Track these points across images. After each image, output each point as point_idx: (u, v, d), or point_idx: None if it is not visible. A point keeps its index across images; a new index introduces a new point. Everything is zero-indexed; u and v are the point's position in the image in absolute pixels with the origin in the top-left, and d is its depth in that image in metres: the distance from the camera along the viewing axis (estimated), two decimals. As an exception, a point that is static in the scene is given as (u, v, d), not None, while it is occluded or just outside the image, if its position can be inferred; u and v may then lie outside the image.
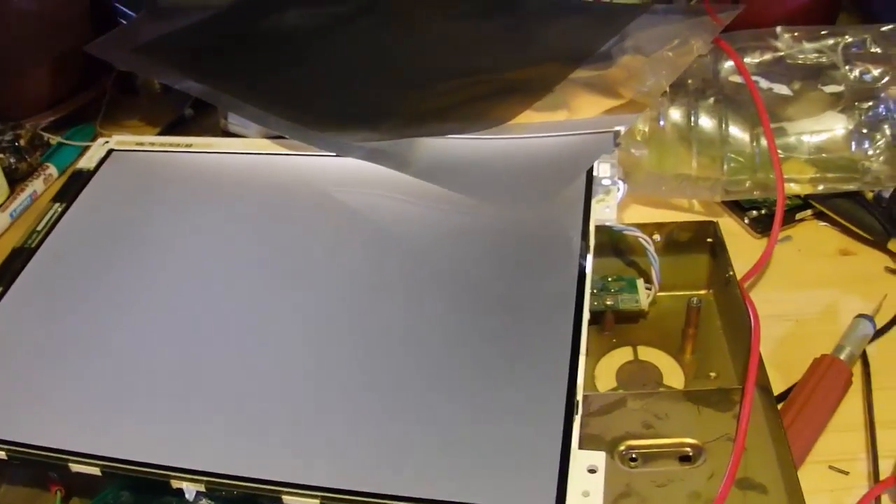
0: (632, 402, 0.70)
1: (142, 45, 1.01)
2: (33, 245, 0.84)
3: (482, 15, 1.06)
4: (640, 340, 0.78)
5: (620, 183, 0.81)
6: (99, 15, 1.12)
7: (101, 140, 0.96)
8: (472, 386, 0.66)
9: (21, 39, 1.05)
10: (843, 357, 0.74)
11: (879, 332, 0.78)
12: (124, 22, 1.12)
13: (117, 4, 1.14)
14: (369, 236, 0.80)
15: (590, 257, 0.72)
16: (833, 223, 0.90)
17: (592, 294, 0.73)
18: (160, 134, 1.06)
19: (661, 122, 0.89)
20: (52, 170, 1.03)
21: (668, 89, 0.90)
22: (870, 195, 0.88)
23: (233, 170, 0.90)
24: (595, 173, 0.80)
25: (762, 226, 0.89)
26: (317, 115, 0.91)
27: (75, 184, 0.91)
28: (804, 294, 0.83)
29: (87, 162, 0.93)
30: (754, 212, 0.90)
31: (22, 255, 0.83)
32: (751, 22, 0.98)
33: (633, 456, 0.67)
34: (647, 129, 0.89)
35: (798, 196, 0.90)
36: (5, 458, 0.66)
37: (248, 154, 0.92)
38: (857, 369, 0.75)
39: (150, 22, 1.06)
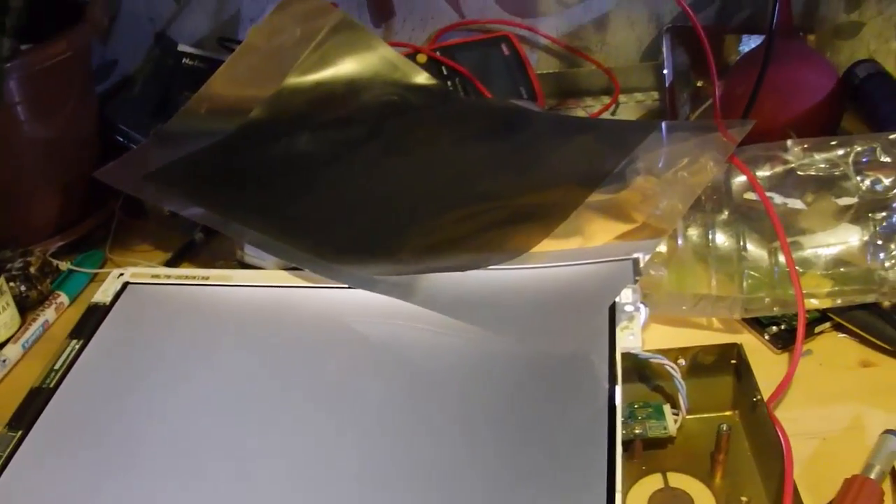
0: (670, 536, 0.69)
1: (150, 173, 1.01)
2: (52, 385, 0.83)
3: (488, 137, 1.06)
4: (669, 466, 0.78)
5: (642, 307, 0.81)
6: (106, 139, 1.13)
7: (115, 272, 0.96)
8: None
9: (30, 166, 1.06)
10: (873, 476, 0.73)
11: (907, 445, 0.77)
12: (132, 145, 1.12)
13: (124, 128, 1.14)
14: (388, 369, 0.80)
15: (618, 388, 0.72)
16: (853, 334, 0.90)
17: (621, 423, 0.72)
18: (171, 259, 1.05)
19: (680, 242, 0.89)
20: (63, 298, 1.03)
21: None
22: (887, 305, 0.88)
23: (251, 304, 0.90)
24: (617, 299, 0.81)
25: (783, 341, 0.88)
26: (332, 246, 0.91)
27: (91, 319, 0.90)
28: (829, 409, 0.83)
29: (102, 296, 0.93)
30: (774, 327, 0.89)
31: (41, 396, 0.82)
32: (755, 129, 0.99)
33: None
34: (665, 250, 0.89)
35: (816, 309, 0.90)
36: None
37: (265, 287, 0.91)
38: (888, 485, 0.74)
39: (158, 148, 1.06)
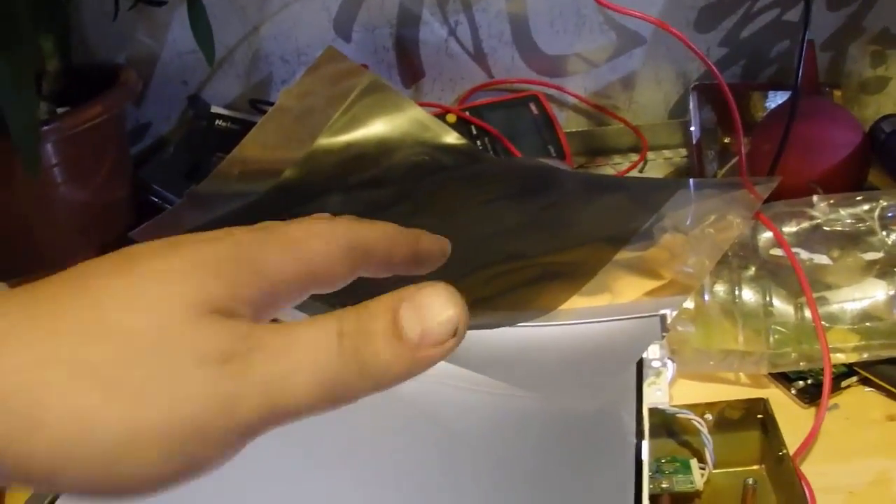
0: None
1: (184, 233, 1.02)
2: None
3: (517, 197, 1.07)
4: (696, 521, 0.78)
5: (669, 363, 0.82)
6: (141, 199, 1.15)
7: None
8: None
9: (67, 226, 1.08)
10: (900, 530, 0.73)
11: (934, 501, 0.77)
12: (167, 206, 1.13)
13: (158, 188, 1.16)
14: (418, 426, 0.81)
15: (646, 444, 0.73)
16: (879, 388, 0.90)
17: (648, 477, 0.72)
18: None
19: (706, 298, 0.90)
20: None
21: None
22: (913, 359, 0.88)
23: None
24: (644, 355, 0.81)
25: (809, 396, 0.88)
26: (363, 305, 0.92)
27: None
28: (855, 464, 0.82)
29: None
30: (801, 382, 0.89)
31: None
32: (783, 186, 1.00)
33: None
34: (692, 306, 0.90)
35: (843, 363, 0.90)
36: None
37: None
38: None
39: (192, 209, 1.07)
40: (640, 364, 0.81)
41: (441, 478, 0.76)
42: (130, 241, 0.99)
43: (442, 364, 0.83)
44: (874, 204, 0.95)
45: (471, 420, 0.80)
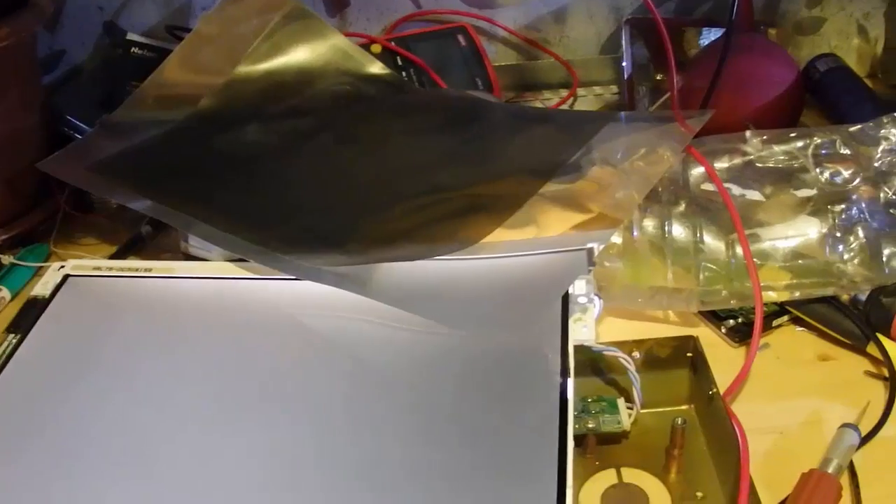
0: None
1: (95, 163, 0.99)
2: (-13, 381, 0.81)
3: (442, 128, 1.06)
4: (623, 462, 0.76)
5: (596, 299, 0.80)
6: (52, 129, 1.11)
7: (56, 264, 0.94)
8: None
9: (-29, 157, 1.03)
10: (830, 470, 0.72)
11: (865, 439, 0.76)
12: (79, 136, 1.09)
13: (70, 118, 1.12)
14: (337, 363, 0.79)
15: (571, 382, 0.71)
16: (811, 328, 0.89)
17: (574, 417, 0.71)
18: (117, 253, 1.03)
19: (635, 233, 0.88)
20: (4, 293, 1.00)
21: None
22: (846, 298, 0.87)
23: (195, 296, 0.88)
24: (570, 291, 0.80)
25: (740, 335, 0.87)
26: (280, 237, 0.90)
27: (30, 313, 0.88)
28: (786, 404, 0.82)
29: (41, 289, 0.91)
30: (731, 321, 0.88)
31: (-25, 392, 0.80)
32: (715, 123, 0.98)
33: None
34: (620, 241, 0.88)
35: (774, 302, 0.88)
36: None
37: (210, 279, 0.89)
38: (846, 479, 0.73)
39: (104, 138, 1.04)
40: (566, 299, 0.79)
41: (361, 414, 0.74)
42: (41, 174, 0.96)
43: (356, 298, 0.81)
44: (808, 141, 0.94)
45: (386, 356, 0.78)
